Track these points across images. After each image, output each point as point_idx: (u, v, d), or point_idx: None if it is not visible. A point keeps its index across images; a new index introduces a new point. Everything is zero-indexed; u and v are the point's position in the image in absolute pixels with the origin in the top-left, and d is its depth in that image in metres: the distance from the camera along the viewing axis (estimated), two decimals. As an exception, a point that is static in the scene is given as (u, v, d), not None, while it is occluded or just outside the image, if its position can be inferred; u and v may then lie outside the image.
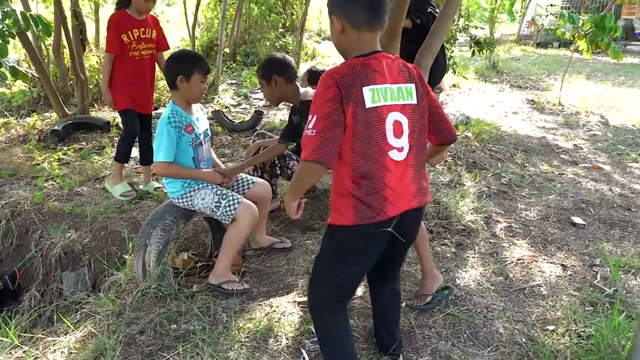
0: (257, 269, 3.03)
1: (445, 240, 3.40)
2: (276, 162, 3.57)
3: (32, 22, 3.97)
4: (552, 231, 3.61)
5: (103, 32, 9.59)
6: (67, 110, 5.95)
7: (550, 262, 3.19)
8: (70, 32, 5.91)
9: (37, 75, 5.83)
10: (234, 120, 6.38)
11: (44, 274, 3.43)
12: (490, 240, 3.46)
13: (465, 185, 4.27)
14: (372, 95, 1.67)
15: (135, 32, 3.71)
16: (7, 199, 3.98)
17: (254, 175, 3.72)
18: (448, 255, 3.22)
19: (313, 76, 3.77)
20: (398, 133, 1.71)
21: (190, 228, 3.50)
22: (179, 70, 2.70)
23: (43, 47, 7.18)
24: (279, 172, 3.61)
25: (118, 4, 3.76)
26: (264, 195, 3.09)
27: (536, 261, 3.18)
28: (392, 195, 1.73)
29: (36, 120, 6.01)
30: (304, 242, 3.33)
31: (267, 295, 2.75)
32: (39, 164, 4.80)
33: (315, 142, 1.62)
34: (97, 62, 8.31)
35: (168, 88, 2.81)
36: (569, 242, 3.46)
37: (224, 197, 2.75)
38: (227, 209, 2.73)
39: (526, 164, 5.03)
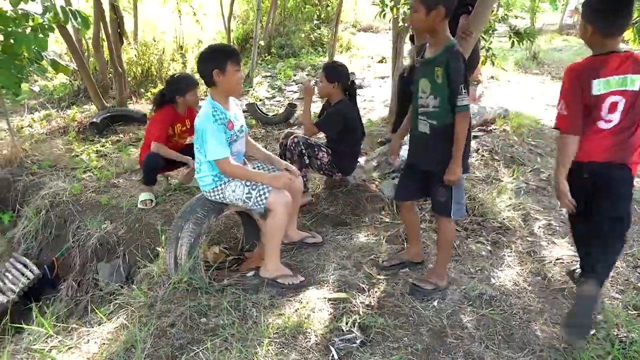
0: (288, 264, 3.00)
1: (481, 237, 3.31)
2: (304, 151, 3.53)
3: (71, 16, 4.06)
4: (593, 230, 3.47)
5: (142, 26, 9.84)
6: (105, 103, 6.07)
7: (592, 263, 3.06)
8: (109, 26, 6.00)
9: (77, 69, 5.95)
10: (268, 113, 6.38)
11: (81, 264, 3.52)
12: (528, 238, 3.35)
13: (502, 181, 4.14)
14: (597, 86, 2.24)
15: (179, 126, 3.88)
16: (47, 190, 4.09)
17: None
18: (483, 253, 3.13)
19: (330, 73, 3.59)
20: (612, 110, 2.26)
21: (222, 222, 3.51)
22: (213, 65, 2.66)
23: (83, 41, 7.34)
24: (307, 161, 3.57)
25: (160, 100, 3.80)
26: (295, 188, 3.06)
27: (576, 261, 3.06)
28: (589, 148, 2.32)
29: (75, 112, 6.16)
30: (335, 237, 3.29)
31: (297, 291, 2.72)
32: (78, 156, 4.92)
33: (566, 119, 2.32)
34: (135, 55, 8.49)
35: (206, 85, 2.78)
36: (612, 242, 3.31)
37: (254, 187, 2.73)
38: (259, 198, 2.71)
39: (567, 159, 4.85)
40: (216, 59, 2.69)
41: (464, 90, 2.38)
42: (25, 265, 3.61)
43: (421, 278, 2.75)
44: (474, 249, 3.17)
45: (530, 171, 4.44)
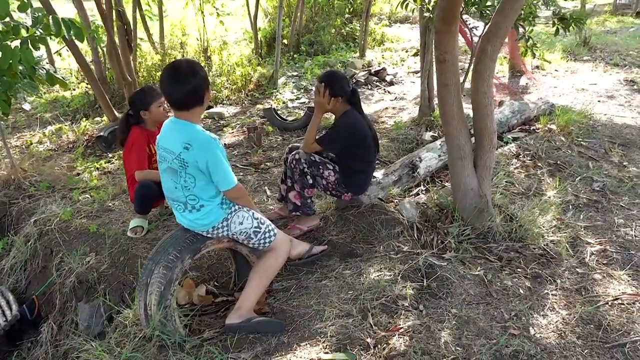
0: (282, 309, 2.54)
1: (519, 269, 2.75)
2: (306, 170, 3.05)
3: (64, 27, 3.74)
4: (661, 257, 2.84)
5: (168, 29, 9.57)
6: (117, 114, 5.77)
7: (660, 304, 2.44)
8: (115, 34, 5.69)
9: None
10: (287, 118, 5.92)
11: (61, 303, 3.16)
12: (578, 270, 2.75)
13: (546, 194, 3.53)
14: None
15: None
16: (38, 215, 3.77)
17: (282, 186, 3.26)
18: (521, 292, 2.57)
19: (334, 87, 3.02)
20: None
21: (216, 253, 3.08)
22: (207, 84, 2.33)
23: (99, 49, 7.10)
24: (311, 181, 3.09)
25: (126, 123, 3.35)
26: None
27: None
28: None
29: (86, 125, 5.88)
30: (342, 272, 2.79)
31: (288, 347, 2.25)
32: (79, 174, 4.61)
33: None
34: (159, 60, 8.22)
35: (185, 107, 2.33)
36: (686, 274, 2.68)
37: (262, 222, 2.53)
38: (267, 234, 2.52)
39: (625, 163, 4.16)
40: (205, 78, 2.34)
41: None
42: (7, 302, 3.30)
43: None
44: (509, 286, 2.61)
45: (580, 179, 3.80)
